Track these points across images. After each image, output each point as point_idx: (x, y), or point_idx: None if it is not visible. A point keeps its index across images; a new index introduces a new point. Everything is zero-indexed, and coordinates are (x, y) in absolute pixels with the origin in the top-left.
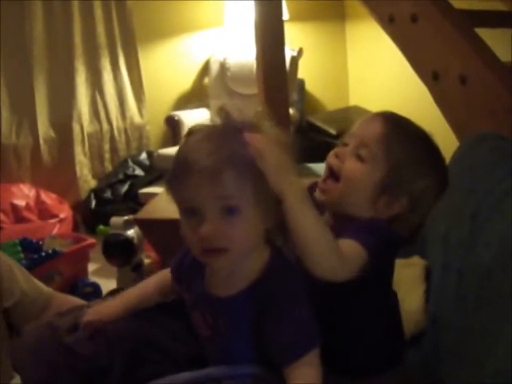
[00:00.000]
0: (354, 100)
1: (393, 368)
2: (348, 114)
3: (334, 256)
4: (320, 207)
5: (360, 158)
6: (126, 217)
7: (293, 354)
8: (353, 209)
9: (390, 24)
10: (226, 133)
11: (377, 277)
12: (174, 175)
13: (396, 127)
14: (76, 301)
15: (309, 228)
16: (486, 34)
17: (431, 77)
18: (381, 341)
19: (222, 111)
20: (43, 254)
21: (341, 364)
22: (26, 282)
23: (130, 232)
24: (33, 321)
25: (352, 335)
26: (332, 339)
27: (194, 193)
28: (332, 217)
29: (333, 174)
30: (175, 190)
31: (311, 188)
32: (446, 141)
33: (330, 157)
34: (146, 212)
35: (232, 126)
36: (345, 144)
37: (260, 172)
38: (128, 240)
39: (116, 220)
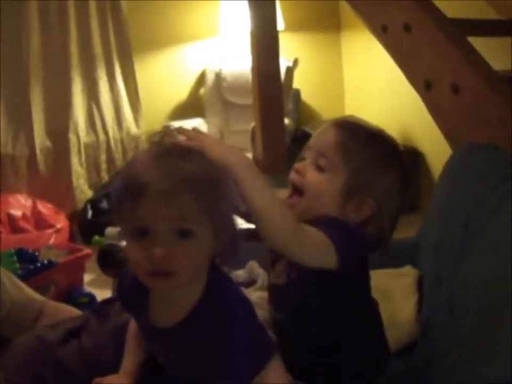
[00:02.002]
0: (350, 109)
1: (376, 377)
2: None
3: (290, 226)
4: None
5: (320, 169)
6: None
7: (250, 372)
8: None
9: (383, 33)
10: (178, 153)
11: (350, 279)
12: (124, 194)
13: (349, 132)
14: (69, 309)
15: (261, 194)
16: (478, 43)
17: (424, 86)
18: (361, 349)
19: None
20: (38, 264)
21: (321, 375)
22: (16, 291)
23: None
24: (25, 331)
25: (330, 343)
26: (309, 348)
27: (148, 214)
28: None
29: (296, 190)
30: (125, 210)
31: None
32: (440, 150)
33: (291, 174)
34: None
35: (181, 147)
36: (304, 159)
37: (215, 195)
38: (123, 251)
39: (111, 231)
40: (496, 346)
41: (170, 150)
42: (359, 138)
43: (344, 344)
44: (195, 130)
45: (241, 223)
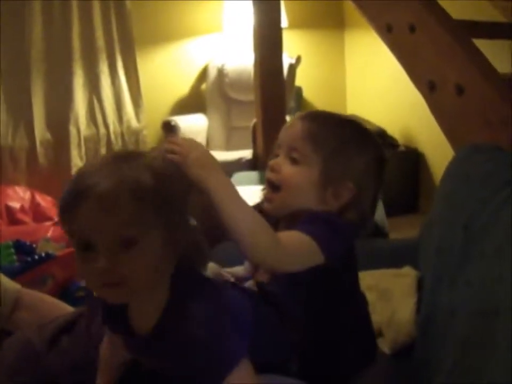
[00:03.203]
0: (352, 108)
1: (364, 368)
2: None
3: (267, 237)
4: (271, 219)
5: (294, 162)
6: None
7: (217, 377)
8: (304, 210)
9: (388, 33)
10: (121, 159)
11: (336, 272)
12: (64, 205)
13: (316, 120)
14: (47, 299)
15: (239, 216)
16: (483, 45)
17: (428, 87)
18: (349, 342)
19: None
20: (36, 257)
21: (311, 370)
22: None
23: None
24: (3, 323)
25: (317, 338)
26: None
27: (87, 224)
28: (285, 225)
29: (273, 187)
30: (66, 222)
31: (258, 206)
32: (441, 151)
33: (267, 172)
34: None
35: (126, 153)
36: (277, 155)
37: (160, 199)
38: None
39: None
40: (496, 348)
41: (119, 156)
42: (327, 125)
43: (331, 338)
44: (185, 141)
45: None
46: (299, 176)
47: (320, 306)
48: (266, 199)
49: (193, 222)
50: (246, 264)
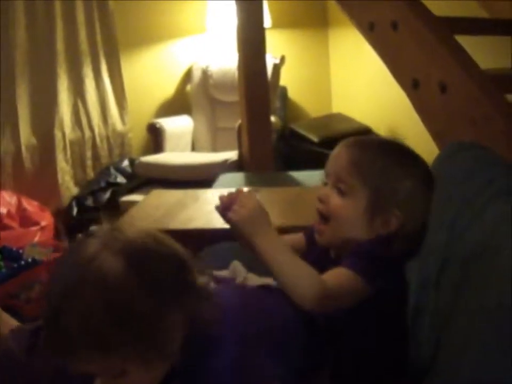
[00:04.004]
0: (337, 107)
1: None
2: (330, 122)
3: (314, 288)
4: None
5: (341, 193)
6: None
7: None
8: (353, 240)
9: (371, 31)
10: (96, 282)
11: (385, 301)
12: (47, 343)
13: (359, 149)
14: None
15: (287, 269)
16: (465, 41)
17: (411, 84)
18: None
19: None
20: (23, 263)
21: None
22: None
23: None
24: None
25: (354, 349)
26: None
27: (81, 367)
28: (336, 254)
29: (323, 217)
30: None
31: (309, 232)
32: (427, 149)
33: (316, 203)
34: (123, 222)
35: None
36: (326, 183)
37: (126, 336)
38: None
39: (95, 229)
40: (481, 350)
41: (89, 278)
42: (370, 152)
43: (366, 352)
44: (246, 197)
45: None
46: (347, 207)
47: (358, 331)
48: (317, 230)
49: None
50: (231, 267)
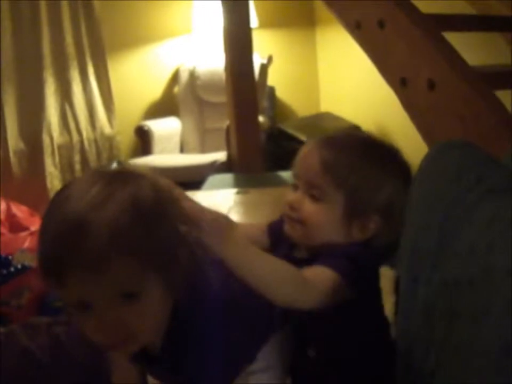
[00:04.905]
0: (325, 106)
1: None
2: (319, 121)
3: (297, 286)
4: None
5: (314, 198)
6: None
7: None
8: (331, 243)
9: (357, 30)
10: (106, 197)
11: (362, 302)
12: (49, 267)
13: (332, 151)
14: None
15: (261, 272)
16: (453, 38)
17: (399, 82)
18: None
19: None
20: (12, 269)
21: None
22: None
23: None
24: None
25: (342, 362)
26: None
27: (80, 287)
28: (306, 251)
29: (297, 222)
30: (54, 284)
31: (277, 224)
32: (416, 146)
33: (287, 209)
34: None
35: (108, 181)
36: (296, 186)
37: (154, 245)
38: None
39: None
40: (473, 349)
41: (102, 188)
42: (344, 153)
43: (346, 364)
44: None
45: None
46: (321, 215)
47: (338, 328)
48: (288, 231)
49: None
50: None
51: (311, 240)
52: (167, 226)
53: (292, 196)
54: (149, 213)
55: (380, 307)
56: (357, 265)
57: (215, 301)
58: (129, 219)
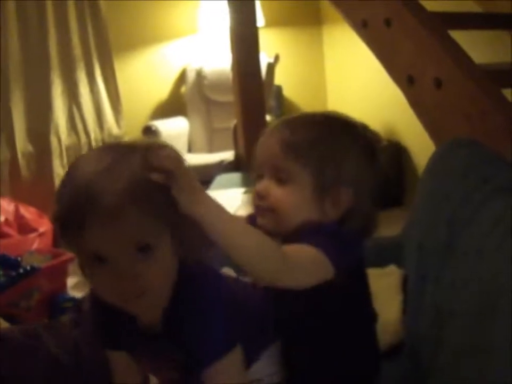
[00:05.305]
0: (332, 104)
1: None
2: None
3: (274, 257)
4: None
5: (281, 182)
6: None
7: (211, 357)
8: (306, 223)
9: (364, 29)
10: (117, 157)
11: (345, 286)
12: (66, 220)
13: (290, 128)
14: None
15: (235, 234)
16: (459, 36)
17: (406, 81)
18: (355, 356)
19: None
20: (21, 270)
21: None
22: None
23: None
24: None
25: (325, 348)
26: (305, 354)
27: (97, 238)
28: (283, 242)
29: (267, 211)
30: (71, 238)
31: (251, 219)
32: (423, 144)
33: (254, 200)
34: None
35: (119, 148)
36: (260, 175)
37: (166, 199)
38: None
39: None
40: (482, 348)
41: (113, 153)
42: (302, 130)
43: (333, 352)
44: (170, 158)
45: None
46: (291, 196)
47: (324, 316)
48: (259, 222)
49: None
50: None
51: (285, 226)
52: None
53: (258, 185)
54: (162, 171)
55: (368, 297)
56: (336, 240)
57: (216, 276)
58: (143, 176)
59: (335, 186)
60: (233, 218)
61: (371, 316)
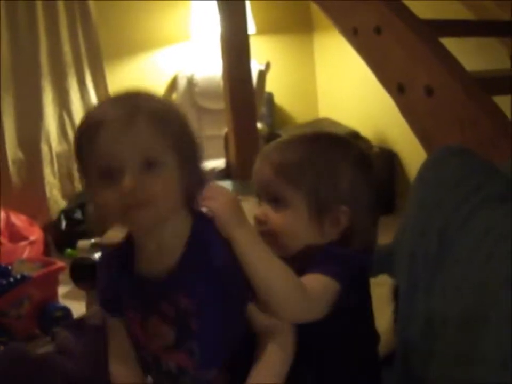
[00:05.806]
0: (324, 112)
1: None
2: (317, 127)
3: (298, 294)
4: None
5: (277, 206)
6: (92, 240)
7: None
8: (309, 247)
9: (354, 36)
10: (137, 94)
11: (357, 305)
12: (83, 137)
13: (281, 153)
14: None
15: (267, 268)
16: (450, 43)
17: (397, 88)
18: (360, 377)
19: None
20: (11, 279)
21: None
22: None
23: (98, 256)
24: None
25: (330, 370)
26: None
27: (109, 149)
28: (298, 264)
29: (266, 234)
30: (86, 153)
31: None
32: (415, 151)
33: (255, 225)
34: (107, 238)
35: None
36: (259, 198)
37: (177, 125)
38: (95, 264)
39: (82, 243)
40: (474, 358)
41: (131, 93)
42: (292, 153)
43: (339, 374)
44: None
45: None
46: (289, 221)
47: (330, 337)
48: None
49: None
50: None
51: (287, 249)
52: (188, 128)
53: (257, 211)
54: (175, 109)
55: (372, 318)
56: (346, 265)
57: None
58: (159, 103)
59: (332, 205)
60: (266, 250)
61: (374, 337)
